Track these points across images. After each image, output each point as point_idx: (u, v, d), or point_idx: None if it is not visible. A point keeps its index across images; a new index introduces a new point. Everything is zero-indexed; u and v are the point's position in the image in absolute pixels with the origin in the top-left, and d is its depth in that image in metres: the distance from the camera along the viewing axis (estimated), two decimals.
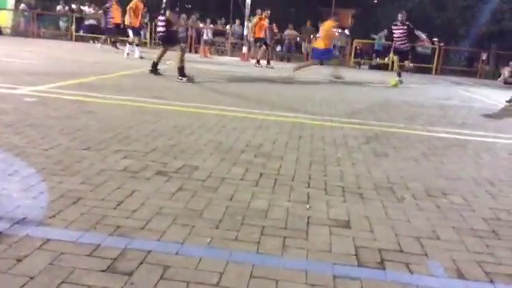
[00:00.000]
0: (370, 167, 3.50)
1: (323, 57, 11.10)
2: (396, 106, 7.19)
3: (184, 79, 7.94)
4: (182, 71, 8.08)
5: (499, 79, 16.98)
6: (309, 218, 2.42)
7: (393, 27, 10.77)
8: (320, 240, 2.16)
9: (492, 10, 19.21)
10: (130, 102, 5.41)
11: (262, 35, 13.90)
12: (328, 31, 10.77)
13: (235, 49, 18.92)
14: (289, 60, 19.30)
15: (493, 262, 2.08)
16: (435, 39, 19.12)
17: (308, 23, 20.00)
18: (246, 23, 16.69)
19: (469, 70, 19.57)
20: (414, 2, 22.11)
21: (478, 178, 3.42)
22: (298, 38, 20.06)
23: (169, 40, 8.45)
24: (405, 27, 10.57)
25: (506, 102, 8.53)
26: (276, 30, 20.13)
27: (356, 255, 2.03)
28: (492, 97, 10.12)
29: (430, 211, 2.66)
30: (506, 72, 16.84)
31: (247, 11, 16.43)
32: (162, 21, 8.50)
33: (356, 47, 19.30)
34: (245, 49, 16.36)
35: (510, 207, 2.84)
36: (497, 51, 19.42)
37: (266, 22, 13.96)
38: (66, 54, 12.06)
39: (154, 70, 8.70)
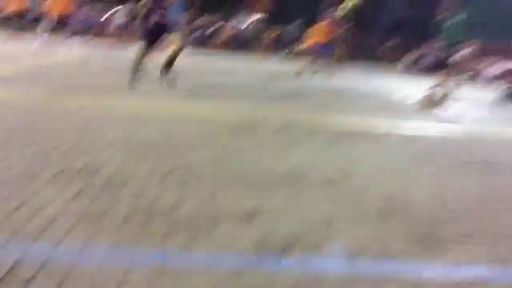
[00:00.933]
0: (278, 157, 3.62)
1: None
2: (306, 95, 7.42)
3: None
4: None
5: (400, 66, 18.04)
6: (216, 209, 2.46)
7: None
8: (229, 231, 2.21)
9: None
10: (30, 99, 5.11)
11: None
12: None
13: None
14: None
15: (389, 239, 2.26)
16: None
17: None
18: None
19: (372, 56, 20.40)
20: None
21: (378, 165, 3.67)
22: None
23: None
24: None
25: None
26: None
27: (264, 242, 2.12)
28: (392, 86, 10.69)
29: (332, 196, 2.82)
30: (407, 59, 17.90)
31: None
32: None
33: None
34: None
35: (404, 188, 3.09)
36: (400, 38, 20.38)
37: None
38: None
39: None
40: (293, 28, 19.38)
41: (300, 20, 18.73)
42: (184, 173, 3.04)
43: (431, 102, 8.03)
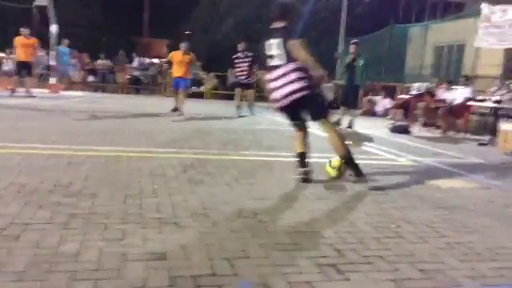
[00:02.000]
0: (186, 195, 3.58)
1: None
2: (210, 133, 7.51)
3: None
4: None
5: None
6: (123, 255, 2.37)
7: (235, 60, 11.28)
8: (135, 276, 2.13)
9: None
10: None
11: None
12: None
13: (41, 79, 17.50)
14: (104, 90, 18.65)
15: (295, 271, 2.31)
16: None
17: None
18: (50, 52, 15.67)
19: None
20: (222, 35, 23.49)
21: (283, 196, 3.79)
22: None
23: None
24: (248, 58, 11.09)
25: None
26: (87, 60, 19.36)
27: (171, 286, 2.06)
28: None
29: (240, 231, 2.84)
30: None
31: (54, 40, 15.45)
32: None
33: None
34: (52, 80, 15.30)
35: (309, 220, 3.20)
36: None
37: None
38: None
39: None
40: None
41: None
42: (88, 216, 2.89)
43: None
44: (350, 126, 9.87)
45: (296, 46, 4.05)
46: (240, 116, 11.03)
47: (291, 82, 4.11)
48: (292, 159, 5.50)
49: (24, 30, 12.59)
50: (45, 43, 15.98)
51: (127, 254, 2.38)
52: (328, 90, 5.35)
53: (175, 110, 10.46)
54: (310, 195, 3.87)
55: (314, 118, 4.34)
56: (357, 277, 2.30)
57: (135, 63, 20.08)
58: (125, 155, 5.02)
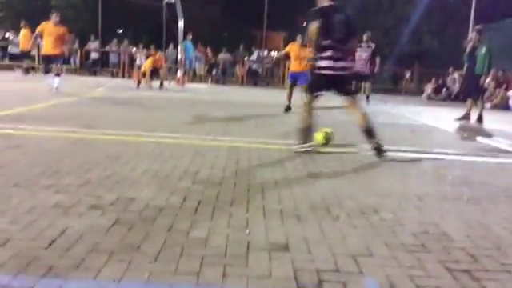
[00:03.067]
0: (306, 188, 3.59)
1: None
2: (328, 126, 7.43)
3: None
4: None
5: (423, 96, 18.08)
6: (248, 243, 2.44)
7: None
8: (260, 265, 2.18)
9: (412, 31, 20.52)
10: (60, 133, 5.22)
11: None
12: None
13: (170, 73, 18.82)
14: (224, 83, 19.48)
15: (423, 275, 2.19)
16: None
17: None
18: (179, 47, 16.71)
19: (394, 88, 20.65)
20: None
21: (406, 193, 3.61)
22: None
23: None
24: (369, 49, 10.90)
25: (456, 119, 9.10)
26: (210, 54, 20.31)
27: (295, 278, 2.08)
28: (416, 113, 10.73)
29: (362, 228, 2.77)
30: (428, 89, 17.96)
31: (180, 35, 16.46)
32: None
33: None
34: (179, 73, 16.33)
35: (437, 220, 3.01)
36: (419, 70, 20.68)
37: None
38: None
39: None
40: None
41: None
42: (214, 203, 3.03)
43: (467, 129, 8.00)
44: (479, 119, 9.09)
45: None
46: None
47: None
48: (415, 155, 5.24)
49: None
50: (173, 38, 17.11)
51: (251, 243, 2.45)
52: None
53: (288, 109, 9.32)
54: (436, 194, 3.64)
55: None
56: (494, 286, 2.12)
57: (254, 56, 20.63)
58: (245, 146, 5.18)
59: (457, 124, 8.73)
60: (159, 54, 14.61)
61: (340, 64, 4.96)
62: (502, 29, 16.13)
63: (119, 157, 4.25)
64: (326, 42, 4.92)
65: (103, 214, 2.75)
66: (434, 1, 19.25)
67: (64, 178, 3.43)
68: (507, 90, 14.67)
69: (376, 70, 11.85)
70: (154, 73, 13.79)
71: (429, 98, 17.34)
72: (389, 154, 4.90)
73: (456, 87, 17.09)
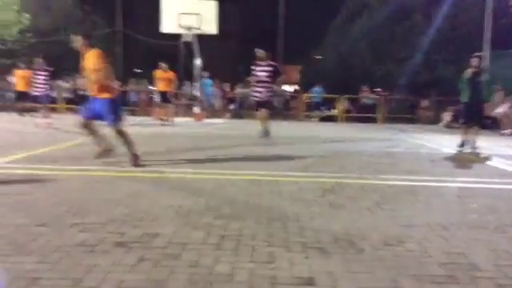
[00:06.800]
0: (328, 220, 3.57)
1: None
2: (346, 157, 7.43)
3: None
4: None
5: (440, 124, 17.95)
6: (273, 278, 2.43)
7: None
8: None
9: (426, 60, 20.56)
10: (82, 172, 5.32)
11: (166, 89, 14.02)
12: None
13: (187, 109, 19.10)
14: (241, 117, 19.66)
15: None
16: (378, 89, 20.24)
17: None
18: (195, 84, 17.02)
19: (411, 117, 20.58)
20: (356, 58, 23.33)
21: (431, 223, 3.57)
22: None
23: None
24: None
25: (457, 147, 8.89)
26: (227, 89, 20.63)
27: None
28: (435, 141, 10.66)
29: (389, 260, 2.73)
30: (446, 117, 17.85)
31: (197, 71, 16.80)
32: None
33: (305, 101, 20.02)
34: (197, 109, 16.57)
35: (464, 250, 2.96)
36: (436, 98, 20.62)
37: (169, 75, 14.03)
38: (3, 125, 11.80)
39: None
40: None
41: None
42: (237, 237, 3.04)
43: (488, 156, 7.90)
44: (462, 145, 8.86)
45: None
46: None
47: None
48: (435, 184, 5.19)
49: (162, 65, 13.91)
50: (190, 75, 17.44)
51: (276, 277, 2.43)
52: None
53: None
54: (462, 223, 3.59)
55: None
56: None
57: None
58: (265, 179, 5.20)
59: (477, 151, 8.62)
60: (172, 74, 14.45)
61: None
62: None
63: (141, 193, 4.30)
64: None
65: (128, 251, 2.77)
66: (447, 30, 19.36)
67: (88, 217, 3.48)
68: None
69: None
70: (165, 97, 13.85)
71: (447, 126, 17.21)
72: (410, 183, 4.84)
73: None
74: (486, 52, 17.17)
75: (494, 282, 2.44)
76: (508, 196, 4.72)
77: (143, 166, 5.73)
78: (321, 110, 20.42)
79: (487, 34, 17.43)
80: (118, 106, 5.85)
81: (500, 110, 15.37)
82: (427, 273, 2.55)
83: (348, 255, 2.81)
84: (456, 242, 3.12)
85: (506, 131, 14.30)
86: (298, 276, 2.46)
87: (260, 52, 9.73)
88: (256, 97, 10.07)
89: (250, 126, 14.48)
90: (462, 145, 8.86)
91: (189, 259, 2.66)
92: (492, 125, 14.88)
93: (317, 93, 20.32)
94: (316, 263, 2.66)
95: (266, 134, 9.95)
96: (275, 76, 9.96)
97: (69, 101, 18.74)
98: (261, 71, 9.81)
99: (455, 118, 17.17)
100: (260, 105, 10.07)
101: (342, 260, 2.72)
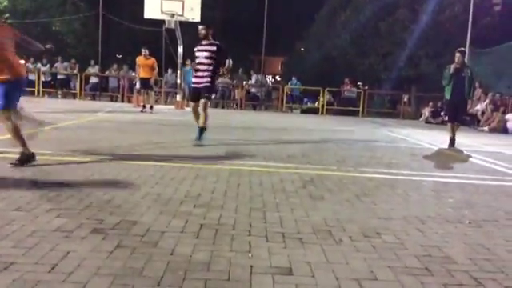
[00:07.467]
0: (308, 211, 3.59)
1: None
2: (327, 149, 7.47)
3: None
4: None
5: (420, 119, 18.19)
6: (251, 267, 2.43)
7: None
8: None
9: (409, 56, 20.75)
10: (59, 158, 5.23)
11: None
12: None
13: (168, 97, 18.97)
14: (223, 107, 19.61)
15: None
16: (360, 83, 20.37)
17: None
18: (178, 72, 16.87)
19: (392, 111, 20.81)
20: (338, 51, 23.41)
21: (408, 216, 3.61)
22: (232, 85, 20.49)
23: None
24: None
25: (448, 147, 8.84)
26: None
27: None
28: (415, 137, 10.79)
29: (366, 252, 2.76)
30: (426, 112, 18.09)
31: (179, 60, 16.63)
32: None
33: (287, 93, 20.04)
34: (179, 97, 16.44)
35: (440, 243, 3.00)
36: (417, 93, 20.86)
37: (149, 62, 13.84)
38: None
39: None
40: None
41: None
42: (216, 226, 3.02)
43: (466, 152, 8.02)
44: (453, 143, 8.91)
45: None
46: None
47: None
48: (416, 178, 5.25)
49: (145, 52, 13.70)
50: (172, 63, 17.27)
51: (254, 266, 2.43)
52: None
53: None
54: (439, 217, 3.64)
55: None
56: None
57: (253, 80, 20.83)
58: (245, 169, 5.19)
59: (455, 147, 8.74)
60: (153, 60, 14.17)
61: None
62: (498, 53, 16.35)
63: (120, 180, 4.24)
64: None
65: (105, 237, 2.73)
66: (431, 27, 19.53)
67: (65, 202, 3.42)
68: (504, 113, 14.78)
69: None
70: (146, 84, 13.65)
71: (427, 121, 17.44)
72: (390, 176, 4.89)
73: None
74: (466, 49, 17.39)
75: (469, 275, 2.48)
76: (484, 191, 4.80)
77: (28, 165, 4.71)
78: (301, 103, 20.52)
79: (469, 32, 17.66)
80: (14, 91, 4.73)
81: (478, 107, 15.65)
82: (403, 264, 2.58)
83: (326, 246, 2.82)
84: (432, 236, 3.16)
85: (483, 128, 14.57)
86: (276, 265, 2.46)
87: (200, 28, 7.40)
88: (193, 83, 7.44)
89: (231, 117, 14.45)
90: (452, 144, 8.81)
91: (167, 247, 2.64)
92: (470, 121, 15.15)
93: (293, 84, 20.41)
94: (294, 253, 2.67)
95: (201, 133, 7.26)
96: (218, 58, 7.22)
97: None
98: (201, 51, 7.27)
99: (434, 114, 17.43)
100: (195, 93, 7.38)
101: (321, 250, 2.74)
